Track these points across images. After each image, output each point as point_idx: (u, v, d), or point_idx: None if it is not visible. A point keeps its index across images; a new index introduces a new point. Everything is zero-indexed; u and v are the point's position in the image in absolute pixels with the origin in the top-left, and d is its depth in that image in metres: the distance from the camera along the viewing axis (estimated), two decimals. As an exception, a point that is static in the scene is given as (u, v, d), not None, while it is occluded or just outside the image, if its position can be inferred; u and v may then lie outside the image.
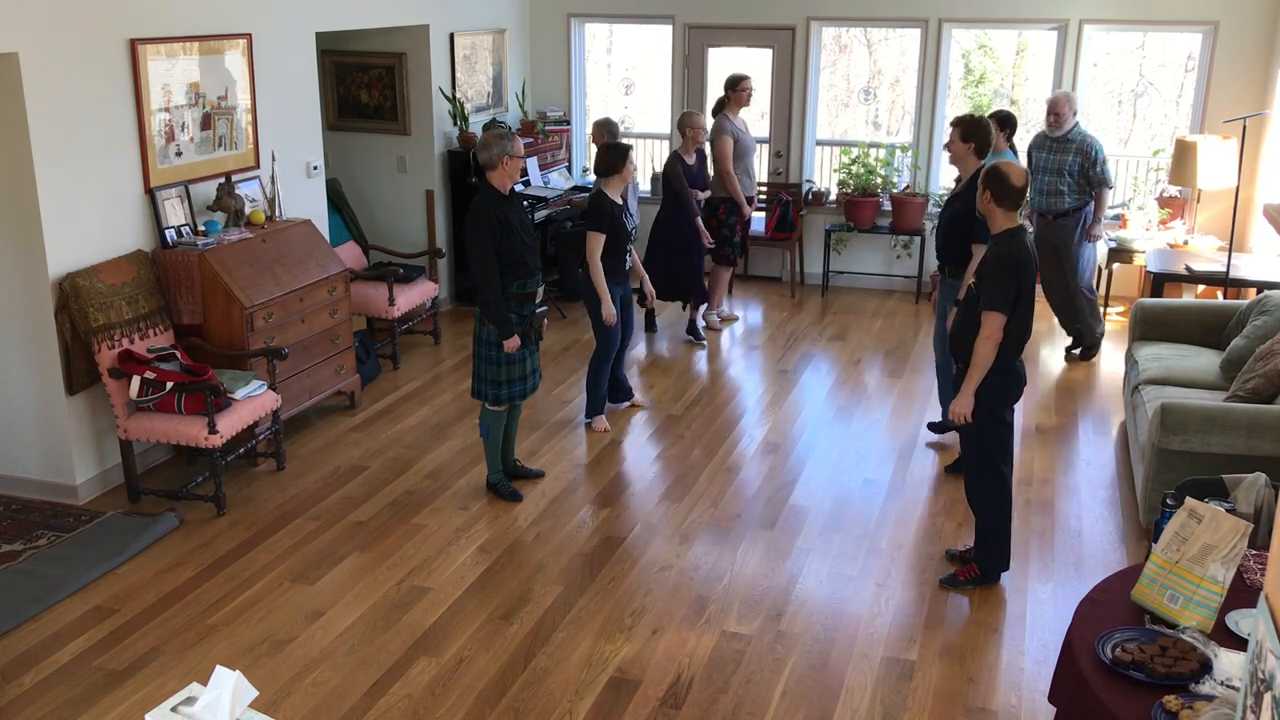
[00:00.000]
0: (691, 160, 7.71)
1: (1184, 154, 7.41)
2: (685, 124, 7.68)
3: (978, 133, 5.58)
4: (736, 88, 8.03)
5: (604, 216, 6.14)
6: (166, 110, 5.79)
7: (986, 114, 6.72)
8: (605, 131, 7.43)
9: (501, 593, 4.75)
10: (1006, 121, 6.74)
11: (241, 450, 5.74)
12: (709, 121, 8.00)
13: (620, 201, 6.26)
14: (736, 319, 8.65)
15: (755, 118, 11.36)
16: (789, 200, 9.13)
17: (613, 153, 6.24)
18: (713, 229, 8.06)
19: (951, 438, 6.17)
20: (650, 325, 8.32)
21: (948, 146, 5.74)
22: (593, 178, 7.96)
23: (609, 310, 6.23)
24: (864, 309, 8.94)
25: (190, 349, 5.73)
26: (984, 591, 4.77)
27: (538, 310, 5.45)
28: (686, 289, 7.95)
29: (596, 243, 6.15)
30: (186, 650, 4.32)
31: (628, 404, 6.79)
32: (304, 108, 6.92)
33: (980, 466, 4.67)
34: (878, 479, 5.87)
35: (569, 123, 9.77)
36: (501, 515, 5.45)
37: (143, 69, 5.58)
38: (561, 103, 9.88)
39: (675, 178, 7.67)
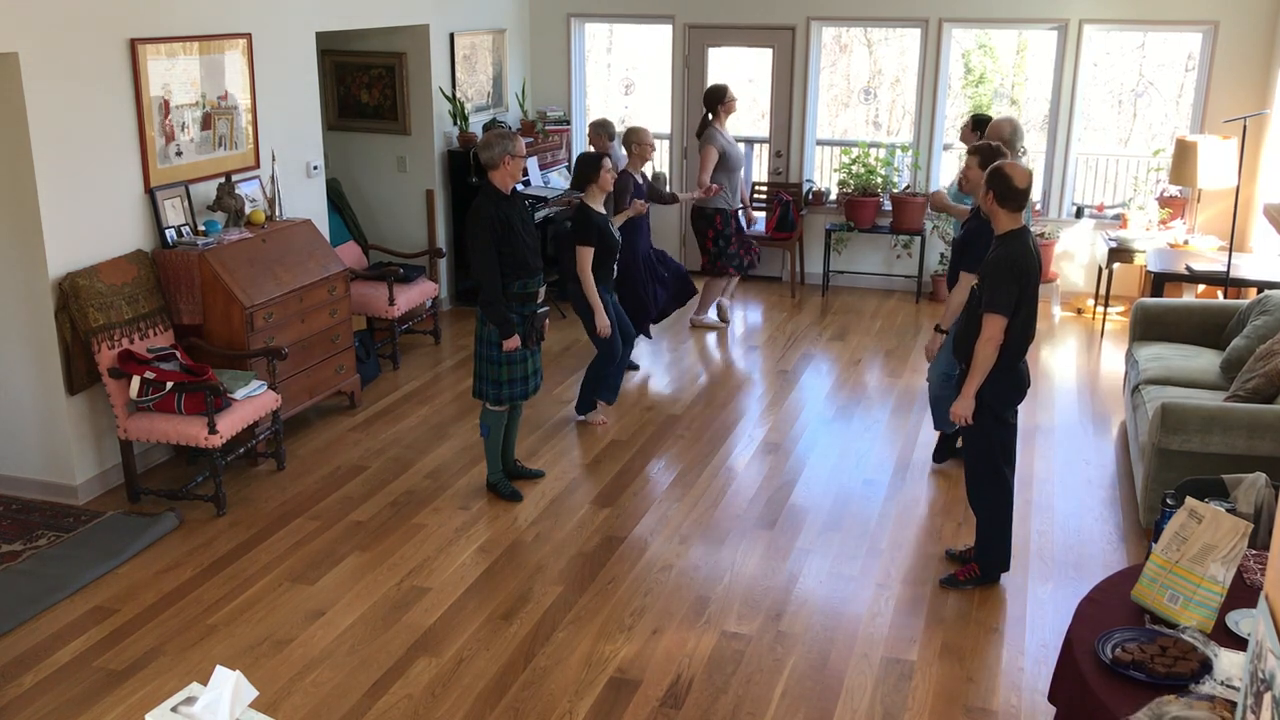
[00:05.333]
0: (641, 179, 7.20)
1: (1184, 154, 7.41)
2: (632, 140, 7.15)
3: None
4: (725, 99, 7.93)
5: (591, 229, 6.12)
6: (166, 110, 5.78)
7: (986, 113, 6.72)
8: (603, 132, 7.43)
9: (501, 593, 4.75)
10: (979, 124, 6.71)
11: (241, 450, 5.74)
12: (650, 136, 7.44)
13: (603, 211, 6.24)
14: (727, 324, 8.58)
15: (755, 117, 11.37)
16: (789, 200, 9.13)
17: (586, 163, 6.16)
18: (707, 239, 8.03)
19: (944, 470, 6.00)
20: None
21: (964, 173, 5.66)
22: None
23: (604, 322, 6.21)
24: (864, 309, 8.94)
25: (190, 349, 5.74)
26: (984, 591, 4.77)
27: (539, 310, 5.45)
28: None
29: (586, 256, 6.12)
30: (186, 650, 4.32)
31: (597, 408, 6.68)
32: (304, 108, 6.92)
33: (981, 467, 4.67)
34: (878, 479, 5.87)
35: (569, 123, 9.78)
36: (501, 515, 5.45)
37: (143, 69, 5.58)
38: (561, 103, 9.88)
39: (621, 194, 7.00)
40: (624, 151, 7.31)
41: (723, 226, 8.00)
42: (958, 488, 5.67)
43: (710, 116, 7.98)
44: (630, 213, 6.89)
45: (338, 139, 8.45)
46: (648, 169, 7.59)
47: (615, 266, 6.40)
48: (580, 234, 6.15)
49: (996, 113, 7.59)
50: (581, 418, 6.58)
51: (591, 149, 7.56)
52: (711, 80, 9.45)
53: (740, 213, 8.18)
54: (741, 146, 8.25)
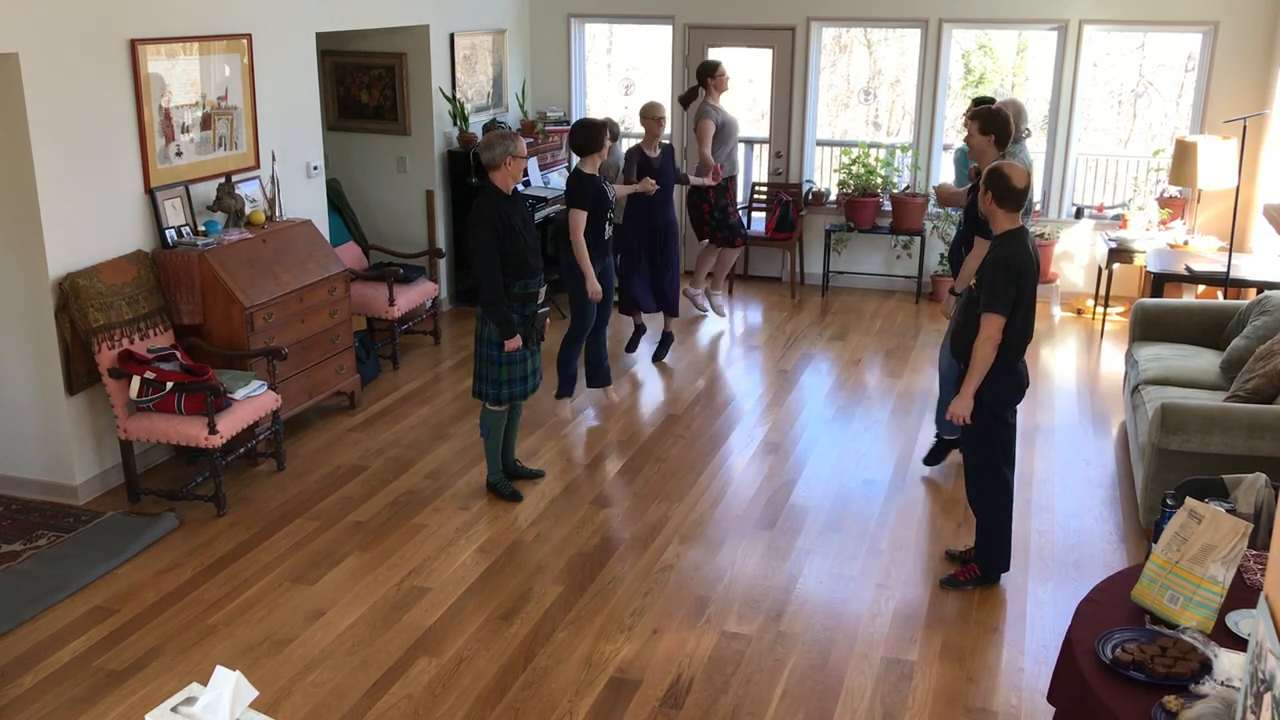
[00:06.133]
0: (654, 154, 7.38)
1: (1184, 154, 7.41)
2: (646, 114, 7.42)
3: (996, 124, 5.37)
4: (715, 74, 8.01)
5: (585, 192, 6.16)
6: (166, 110, 5.78)
7: (988, 95, 6.76)
8: (606, 131, 7.42)
9: (501, 593, 4.75)
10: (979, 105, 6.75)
11: (241, 450, 5.74)
12: (660, 110, 7.57)
13: (598, 175, 6.30)
14: (707, 315, 8.65)
15: (755, 118, 11.36)
16: (789, 200, 9.13)
17: (592, 130, 6.18)
18: (704, 213, 8.07)
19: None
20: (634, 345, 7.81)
21: (968, 140, 5.66)
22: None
23: (594, 286, 6.24)
24: (864, 309, 8.94)
25: (190, 349, 5.74)
26: (984, 591, 4.77)
27: (539, 310, 5.45)
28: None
29: (579, 219, 6.18)
30: (186, 650, 4.32)
31: (602, 390, 6.81)
32: (304, 108, 6.92)
33: (981, 467, 4.67)
34: (878, 479, 5.87)
35: (569, 123, 9.76)
36: (501, 515, 5.45)
37: (143, 69, 5.58)
38: (561, 103, 9.88)
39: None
40: (625, 149, 7.39)
41: (716, 199, 8.03)
42: (958, 488, 5.68)
43: (704, 92, 8.03)
44: (639, 188, 6.99)
45: (338, 139, 8.45)
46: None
47: (608, 229, 6.40)
48: (573, 197, 6.20)
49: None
50: (565, 399, 6.65)
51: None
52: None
53: (732, 181, 8.28)
54: (737, 121, 8.29)
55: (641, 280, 7.43)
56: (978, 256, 5.42)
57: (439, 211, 8.59)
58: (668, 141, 7.59)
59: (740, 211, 8.39)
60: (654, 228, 7.34)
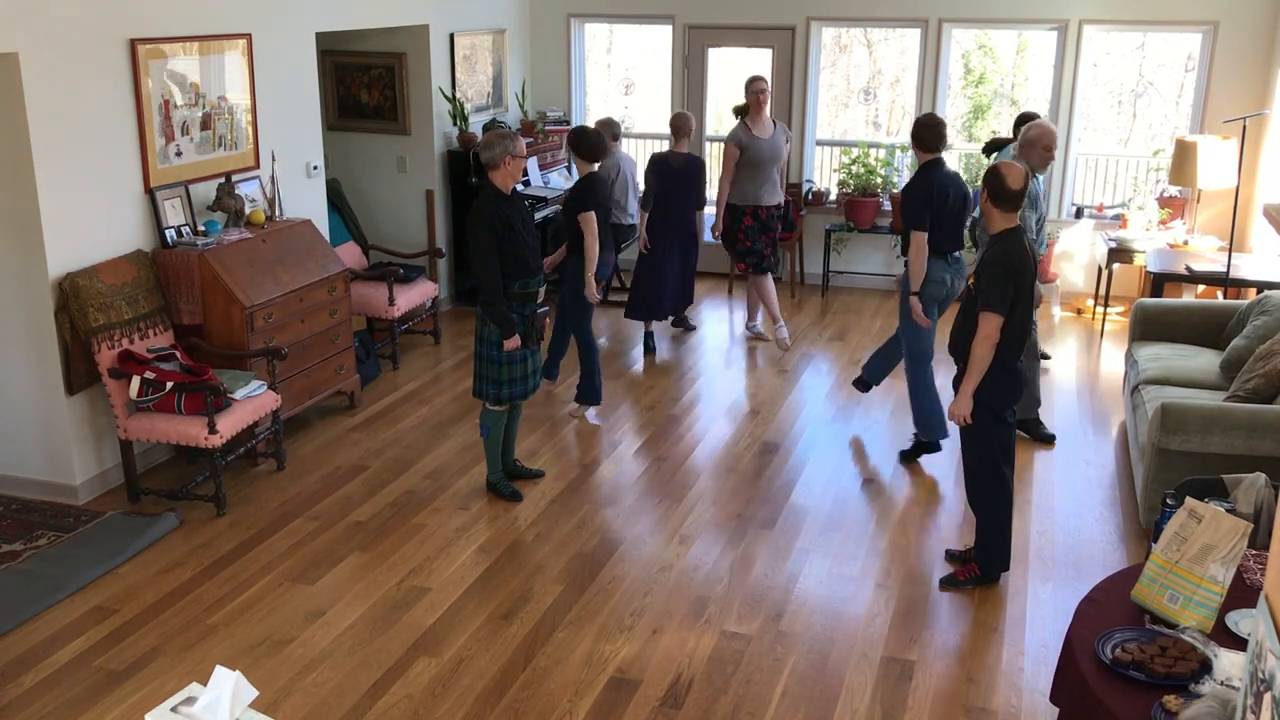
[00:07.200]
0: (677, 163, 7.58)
1: (1184, 154, 7.41)
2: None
3: (918, 134, 5.78)
4: (748, 91, 7.62)
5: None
6: (166, 110, 5.78)
7: (986, 113, 6.78)
8: (607, 132, 7.42)
9: (501, 593, 4.75)
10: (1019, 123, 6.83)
11: (241, 450, 5.74)
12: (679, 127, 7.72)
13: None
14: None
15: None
16: (789, 200, 9.12)
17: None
18: (740, 240, 7.76)
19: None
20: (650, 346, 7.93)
21: None
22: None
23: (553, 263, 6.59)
24: (864, 309, 8.94)
25: (190, 349, 5.74)
26: (984, 591, 4.77)
27: (539, 310, 5.46)
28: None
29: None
30: (186, 650, 4.32)
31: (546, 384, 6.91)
32: (304, 108, 6.92)
33: (981, 467, 4.67)
34: (878, 479, 5.87)
35: (569, 123, 9.77)
36: (501, 515, 5.45)
37: (143, 69, 5.58)
38: (561, 103, 9.88)
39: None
40: (626, 150, 7.42)
41: (732, 223, 7.67)
42: (958, 488, 5.68)
43: (745, 110, 7.69)
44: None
45: (338, 139, 8.45)
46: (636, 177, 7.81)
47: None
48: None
49: (996, 113, 7.54)
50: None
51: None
52: (712, 80, 9.54)
53: (771, 210, 7.78)
54: (781, 143, 7.76)
55: (656, 286, 7.64)
56: (917, 248, 5.69)
57: (439, 211, 8.59)
58: (684, 151, 7.58)
59: (762, 239, 7.85)
60: (673, 238, 7.57)
